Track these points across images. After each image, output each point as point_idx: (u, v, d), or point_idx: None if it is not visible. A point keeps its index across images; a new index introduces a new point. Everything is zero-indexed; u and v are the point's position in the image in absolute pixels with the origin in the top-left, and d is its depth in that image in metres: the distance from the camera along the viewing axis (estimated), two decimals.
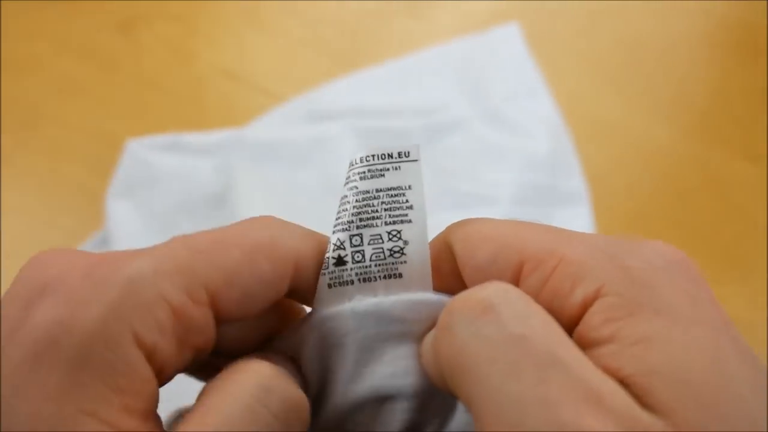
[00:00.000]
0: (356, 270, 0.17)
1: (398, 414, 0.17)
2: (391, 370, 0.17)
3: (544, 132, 0.46)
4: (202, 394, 0.15)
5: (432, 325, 0.16)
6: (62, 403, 0.13)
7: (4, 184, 0.45)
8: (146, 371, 0.14)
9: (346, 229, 0.17)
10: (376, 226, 0.17)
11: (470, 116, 0.48)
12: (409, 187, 0.17)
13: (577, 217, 0.43)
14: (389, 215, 0.17)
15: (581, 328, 0.14)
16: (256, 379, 0.15)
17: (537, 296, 0.15)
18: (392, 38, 0.54)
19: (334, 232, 0.17)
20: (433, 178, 0.44)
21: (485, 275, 0.16)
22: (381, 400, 0.17)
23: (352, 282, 0.17)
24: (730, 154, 0.47)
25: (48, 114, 0.49)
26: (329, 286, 0.17)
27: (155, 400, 0.15)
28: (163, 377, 0.15)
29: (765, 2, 0.56)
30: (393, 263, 0.17)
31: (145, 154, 0.45)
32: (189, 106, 0.50)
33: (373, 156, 0.17)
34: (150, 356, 0.14)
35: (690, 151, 0.48)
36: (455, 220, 0.18)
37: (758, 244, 0.43)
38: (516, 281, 0.16)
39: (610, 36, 0.55)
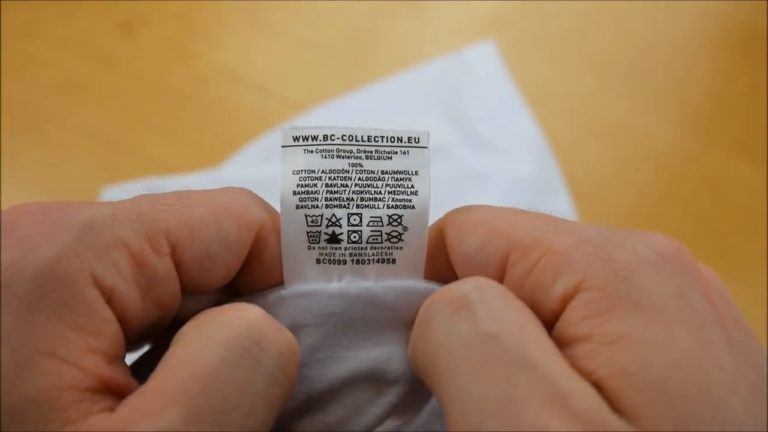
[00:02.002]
0: (351, 250, 0.16)
1: (379, 398, 0.16)
2: (376, 355, 0.16)
3: (526, 152, 0.46)
4: (176, 340, 0.14)
5: None
6: (17, 346, 0.12)
7: (4, 184, 0.45)
8: (106, 312, 0.13)
9: (345, 206, 0.16)
10: (378, 207, 0.16)
11: (453, 142, 0.47)
12: (416, 173, 0.17)
13: None
14: (392, 198, 0.16)
15: (560, 324, 0.14)
16: (248, 318, 0.14)
17: (521, 288, 0.14)
18: (392, 38, 0.54)
19: (327, 206, 0.16)
20: None
21: (472, 264, 0.16)
22: (361, 384, 0.16)
23: (345, 262, 0.16)
24: (730, 154, 0.47)
25: (48, 114, 0.48)
26: (318, 261, 0.16)
27: (121, 347, 0.14)
28: (129, 328, 0.14)
29: (766, 3, 0.56)
30: (389, 248, 0.16)
31: None
32: (189, 106, 0.50)
33: (381, 137, 0.17)
34: (109, 299, 0.14)
35: (690, 151, 0.48)
36: None
37: (758, 244, 0.43)
38: (503, 270, 0.15)
39: (612, 36, 0.55)
